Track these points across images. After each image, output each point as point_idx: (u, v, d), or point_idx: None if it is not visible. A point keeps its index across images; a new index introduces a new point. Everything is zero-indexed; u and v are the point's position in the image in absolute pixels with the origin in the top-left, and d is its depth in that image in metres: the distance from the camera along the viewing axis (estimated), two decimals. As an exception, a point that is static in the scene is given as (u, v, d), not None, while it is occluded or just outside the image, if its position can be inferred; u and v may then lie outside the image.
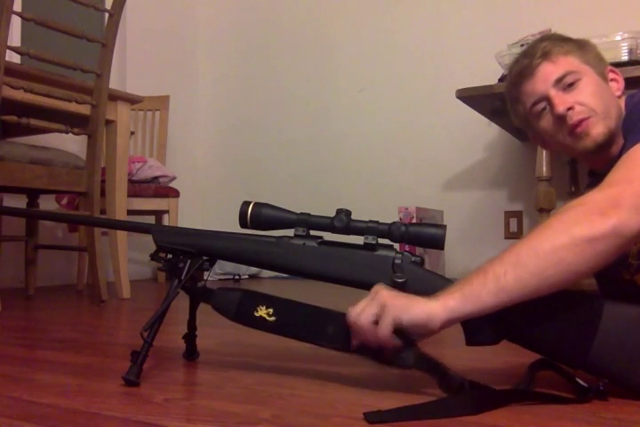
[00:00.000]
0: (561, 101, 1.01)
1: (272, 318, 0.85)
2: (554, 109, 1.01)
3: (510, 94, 1.12)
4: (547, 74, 1.03)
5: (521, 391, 0.75)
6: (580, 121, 1.00)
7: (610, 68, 1.08)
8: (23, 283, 2.24)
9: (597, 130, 1.00)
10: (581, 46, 1.07)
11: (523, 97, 1.08)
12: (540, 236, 0.75)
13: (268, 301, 0.86)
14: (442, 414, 0.68)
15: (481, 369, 0.95)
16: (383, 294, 0.77)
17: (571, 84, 1.02)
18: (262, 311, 0.85)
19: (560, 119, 1.02)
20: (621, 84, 1.08)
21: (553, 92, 1.02)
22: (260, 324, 0.85)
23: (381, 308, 0.75)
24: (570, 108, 1.00)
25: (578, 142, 1.02)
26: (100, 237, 2.02)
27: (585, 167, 2.49)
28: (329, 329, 0.83)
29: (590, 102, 1.00)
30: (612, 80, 1.08)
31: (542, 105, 1.04)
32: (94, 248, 1.97)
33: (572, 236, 0.72)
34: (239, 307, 0.86)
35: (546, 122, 1.05)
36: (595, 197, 0.77)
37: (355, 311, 0.77)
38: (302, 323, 0.85)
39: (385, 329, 0.75)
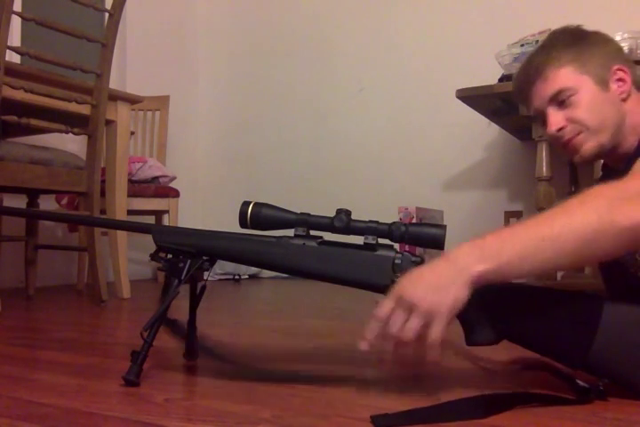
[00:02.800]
0: (554, 121, 1.04)
1: None
2: (547, 129, 1.06)
3: (517, 101, 1.19)
4: (541, 92, 1.06)
5: (525, 394, 0.75)
6: (570, 140, 1.03)
7: (618, 66, 1.06)
8: (23, 283, 2.24)
9: (586, 146, 1.03)
10: (582, 53, 1.06)
11: (526, 104, 1.13)
12: (575, 214, 0.73)
13: None
14: (450, 418, 0.67)
15: (480, 369, 0.95)
16: (409, 292, 0.73)
17: (564, 101, 1.04)
18: None
19: (553, 137, 1.06)
20: (628, 84, 1.07)
21: (549, 110, 1.05)
22: None
23: (423, 314, 0.71)
24: (561, 128, 1.03)
25: (571, 156, 1.07)
26: (100, 237, 2.02)
27: (585, 167, 2.49)
28: None
29: (583, 118, 1.02)
30: (618, 80, 1.06)
31: (542, 117, 1.09)
32: (94, 248, 1.97)
33: (613, 221, 0.70)
34: None
35: (547, 131, 1.09)
36: (632, 184, 0.77)
37: (383, 312, 0.73)
38: None
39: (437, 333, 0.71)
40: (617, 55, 1.09)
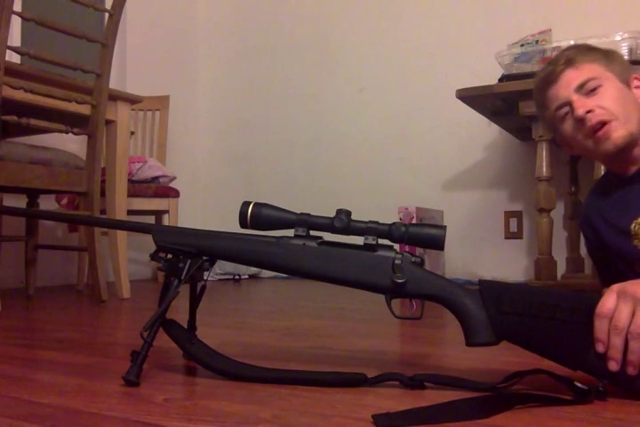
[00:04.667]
0: (581, 105, 1.06)
1: None
2: (574, 112, 1.07)
3: (537, 100, 1.18)
4: (569, 80, 1.09)
5: (525, 394, 0.75)
6: (601, 124, 1.05)
7: (635, 75, 1.12)
8: (23, 283, 2.24)
9: (618, 133, 1.05)
10: (607, 55, 1.12)
11: (548, 102, 1.14)
12: None
13: None
14: (450, 419, 0.67)
15: (480, 369, 0.95)
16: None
17: (593, 90, 1.07)
18: None
19: (580, 122, 1.07)
20: None
21: (574, 97, 1.08)
22: None
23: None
24: (589, 111, 1.05)
25: (599, 146, 1.07)
26: (99, 237, 2.02)
27: (585, 167, 2.50)
28: None
29: (611, 107, 1.05)
30: (636, 87, 1.12)
31: (565, 109, 1.10)
32: (94, 248, 1.97)
33: None
34: None
35: (568, 125, 1.11)
36: None
37: (606, 308, 0.73)
38: None
39: None
40: (631, 67, 1.16)
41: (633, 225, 1.09)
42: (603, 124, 1.05)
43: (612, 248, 1.16)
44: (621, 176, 1.14)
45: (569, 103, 1.08)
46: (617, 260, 1.15)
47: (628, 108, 1.06)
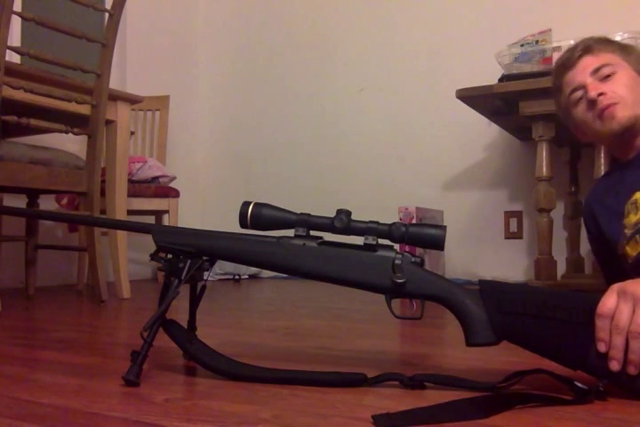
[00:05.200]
0: (594, 87, 1.12)
1: None
2: (587, 94, 1.13)
3: (554, 85, 1.24)
4: (586, 65, 1.15)
5: (525, 394, 0.75)
6: (609, 105, 1.10)
7: None
8: (23, 283, 2.24)
9: (623, 113, 1.10)
10: (624, 48, 1.18)
11: (564, 86, 1.20)
12: None
13: None
14: (450, 419, 0.67)
15: (480, 369, 0.95)
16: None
17: (607, 76, 1.13)
18: None
19: (592, 103, 1.12)
20: None
21: (589, 81, 1.13)
22: None
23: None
24: (601, 94, 1.11)
25: (605, 125, 1.12)
26: (100, 237, 2.02)
27: (585, 167, 2.50)
28: None
29: (622, 92, 1.11)
30: None
31: (580, 93, 1.16)
32: (94, 248, 1.97)
33: None
34: None
35: (580, 109, 1.17)
36: None
37: (607, 307, 0.73)
38: None
39: None
40: None
41: (627, 205, 1.11)
42: (610, 105, 1.10)
43: (608, 234, 1.17)
44: (623, 160, 1.19)
45: (583, 86, 1.14)
46: (614, 245, 1.16)
47: (637, 95, 1.12)
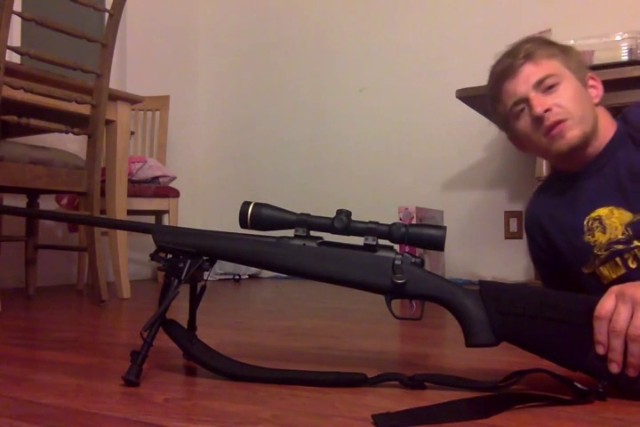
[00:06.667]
0: (539, 103, 1.04)
1: None
2: (532, 110, 1.05)
3: (492, 93, 1.15)
4: (528, 75, 1.07)
5: (525, 394, 0.75)
6: (557, 123, 1.03)
7: (590, 74, 1.12)
8: (23, 283, 2.24)
9: (572, 133, 1.04)
10: (565, 51, 1.11)
11: (504, 97, 1.11)
12: None
13: None
14: (450, 418, 0.67)
15: (480, 369, 0.95)
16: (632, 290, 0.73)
17: (551, 87, 1.05)
18: None
19: (537, 120, 1.05)
20: (600, 91, 1.12)
21: (532, 94, 1.05)
22: None
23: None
24: (547, 110, 1.03)
25: (552, 144, 1.06)
26: (99, 237, 2.02)
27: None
28: None
29: (568, 106, 1.04)
30: (591, 87, 1.11)
31: (521, 106, 1.08)
32: (94, 248, 1.97)
33: None
34: None
35: (523, 123, 1.09)
36: None
37: (605, 310, 0.73)
38: None
39: None
40: (586, 66, 1.15)
41: (586, 221, 1.08)
42: (558, 122, 1.04)
43: (561, 248, 1.13)
44: (570, 172, 1.14)
45: (526, 100, 1.06)
46: (569, 260, 1.13)
47: (584, 108, 1.05)
